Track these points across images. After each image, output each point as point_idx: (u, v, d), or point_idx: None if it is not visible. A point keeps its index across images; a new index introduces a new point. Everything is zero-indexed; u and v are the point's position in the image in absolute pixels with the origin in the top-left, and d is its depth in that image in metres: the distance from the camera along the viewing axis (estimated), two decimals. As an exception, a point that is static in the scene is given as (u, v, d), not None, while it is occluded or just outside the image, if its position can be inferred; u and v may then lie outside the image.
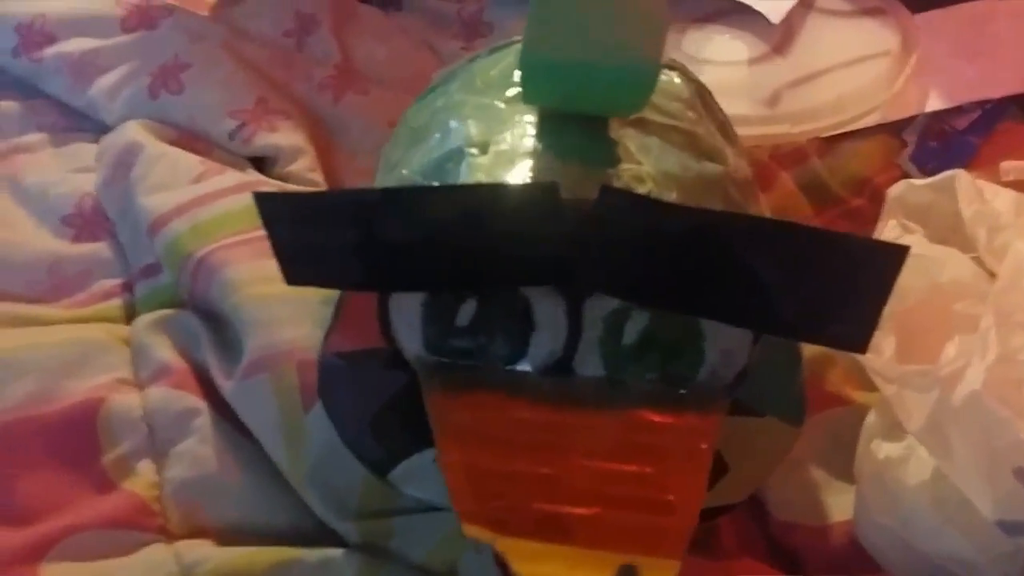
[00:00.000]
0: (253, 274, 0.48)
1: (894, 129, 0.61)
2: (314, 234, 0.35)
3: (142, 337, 0.50)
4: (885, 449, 0.41)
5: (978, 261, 0.44)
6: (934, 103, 0.61)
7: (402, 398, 0.39)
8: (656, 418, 0.36)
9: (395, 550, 0.42)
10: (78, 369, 0.47)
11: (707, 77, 0.48)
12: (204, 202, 0.53)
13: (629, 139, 0.39)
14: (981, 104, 0.61)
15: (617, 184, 0.36)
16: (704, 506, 0.34)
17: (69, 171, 0.60)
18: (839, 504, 0.44)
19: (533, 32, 0.37)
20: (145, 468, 0.45)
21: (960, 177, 0.47)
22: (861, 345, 0.34)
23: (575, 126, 0.39)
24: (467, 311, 0.37)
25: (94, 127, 0.63)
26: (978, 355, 0.37)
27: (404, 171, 0.40)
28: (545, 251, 0.34)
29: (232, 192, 0.53)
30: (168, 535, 0.43)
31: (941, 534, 0.38)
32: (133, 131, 0.59)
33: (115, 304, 0.54)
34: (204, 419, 0.46)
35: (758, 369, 0.38)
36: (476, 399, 0.36)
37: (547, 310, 0.37)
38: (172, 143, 0.59)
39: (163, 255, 0.52)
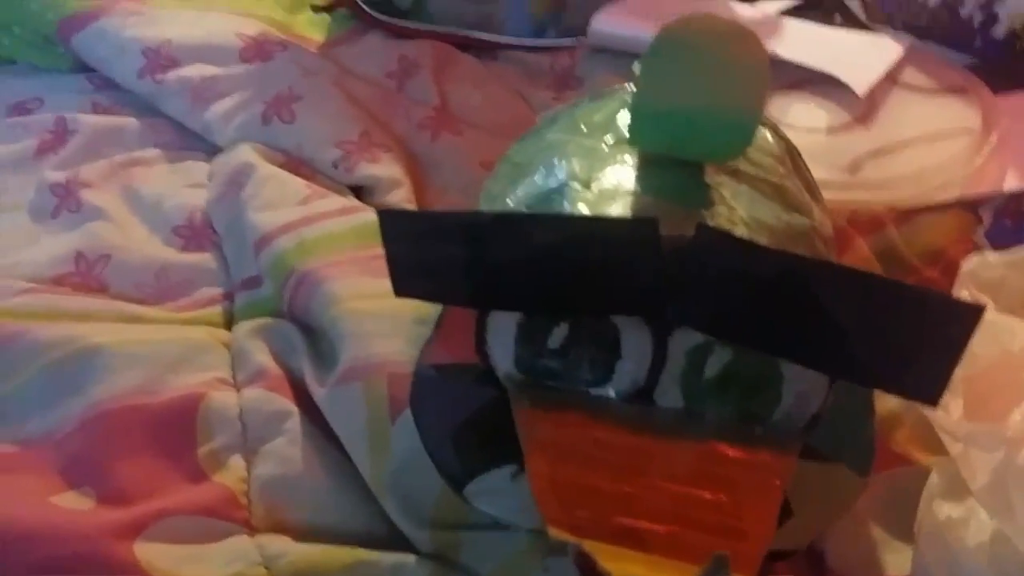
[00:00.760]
0: (352, 290, 0.50)
1: (971, 205, 0.62)
2: (427, 250, 0.37)
3: (242, 342, 0.52)
4: (946, 509, 0.41)
5: (1049, 333, 0.45)
6: (1011, 183, 0.62)
7: (485, 415, 0.41)
8: (731, 452, 0.37)
9: (464, 563, 0.43)
10: (182, 365, 0.50)
11: (789, 141, 0.50)
12: (309, 222, 0.56)
13: (723, 186, 0.41)
14: (1058, 187, 0.62)
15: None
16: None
17: (182, 186, 0.64)
18: (896, 562, 0.45)
19: (646, 80, 0.40)
20: (236, 463, 0.47)
21: (1033, 253, 0.48)
22: (933, 398, 0.35)
23: (673, 170, 0.41)
24: (559, 334, 0.39)
25: (206, 148, 0.68)
26: (1045, 420, 0.38)
27: (509, 201, 0.43)
28: (640, 283, 0.36)
29: (336, 215, 0.57)
30: (251, 528, 0.45)
31: (999, 595, 0.38)
32: (246, 153, 0.63)
33: (215, 311, 0.57)
34: (294, 422, 0.48)
35: (831, 415, 0.39)
36: (562, 417, 0.38)
37: (634, 340, 0.38)
38: (280, 167, 0.62)
39: (267, 268, 0.55)
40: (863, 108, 0.68)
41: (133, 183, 0.64)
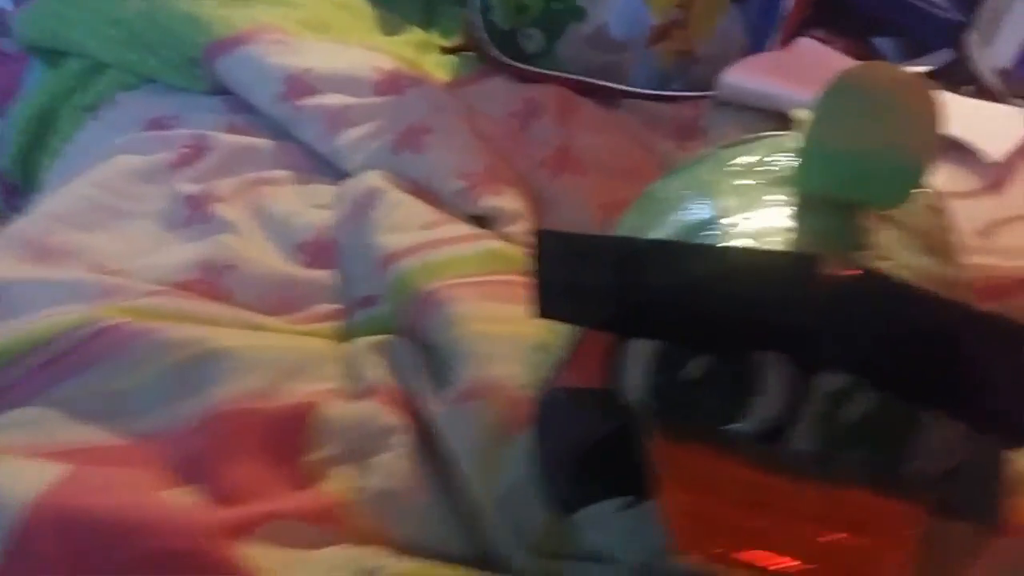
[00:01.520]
0: (476, 312, 0.51)
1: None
2: (579, 272, 0.38)
3: (358, 356, 0.53)
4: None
5: None
6: None
7: (608, 444, 0.40)
8: (865, 499, 0.36)
9: (563, 590, 0.43)
10: (299, 374, 0.51)
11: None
12: (436, 246, 0.57)
13: (879, 231, 0.40)
14: None
15: None
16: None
17: (308, 206, 0.67)
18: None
19: (819, 122, 0.40)
20: (343, 473, 0.47)
21: None
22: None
23: (828, 211, 0.41)
24: (697, 366, 0.38)
25: (333, 172, 0.70)
26: None
27: (653, 234, 0.43)
28: (791, 320, 0.36)
29: (461, 240, 0.58)
30: (352, 538, 0.45)
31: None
32: (375, 179, 0.65)
33: (331, 326, 0.58)
34: (403, 437, 0.48)
35: (964, 471, 0.38)
36: (696, 450, 0.37)
37: (775, 378, 0.38)
38: (408, 194, 0.64)
39: (390, 286, 0.56)
40: (996, 176, 0.67)
41: (262, 200, 0.67)
